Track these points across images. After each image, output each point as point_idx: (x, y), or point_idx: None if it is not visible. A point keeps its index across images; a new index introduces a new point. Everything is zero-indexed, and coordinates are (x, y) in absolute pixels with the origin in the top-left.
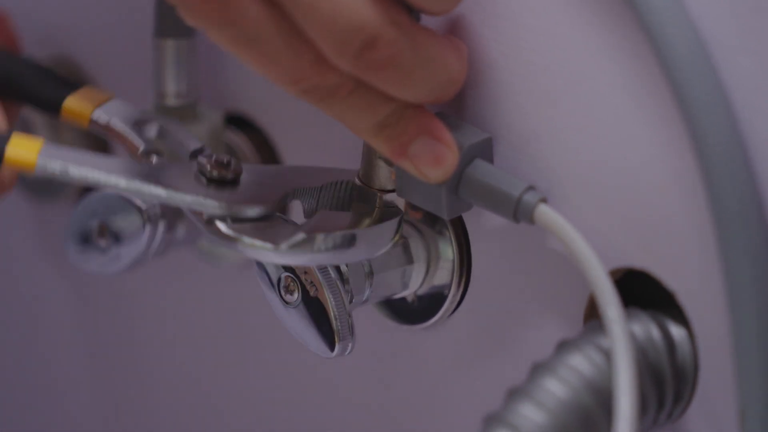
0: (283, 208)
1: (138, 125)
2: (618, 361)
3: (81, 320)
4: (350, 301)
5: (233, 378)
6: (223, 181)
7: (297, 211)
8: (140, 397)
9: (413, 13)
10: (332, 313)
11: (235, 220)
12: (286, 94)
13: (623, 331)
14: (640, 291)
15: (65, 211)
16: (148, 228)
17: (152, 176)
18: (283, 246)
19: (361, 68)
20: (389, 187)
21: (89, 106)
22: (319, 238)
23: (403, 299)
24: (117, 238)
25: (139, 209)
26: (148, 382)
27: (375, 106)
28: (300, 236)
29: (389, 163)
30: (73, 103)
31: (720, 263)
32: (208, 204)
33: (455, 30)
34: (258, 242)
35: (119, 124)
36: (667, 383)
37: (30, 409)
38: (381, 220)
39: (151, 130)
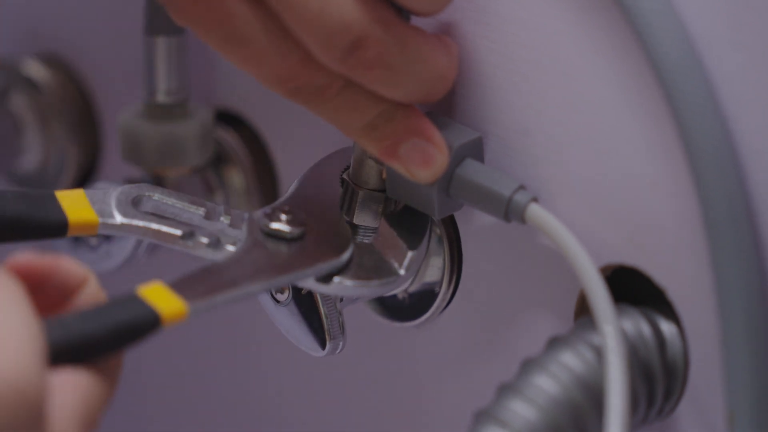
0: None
1: (135, 204)
2: (609, 358)
3: None
4: (341, 299)
5: (225, 376)
6: (302, 236)
7: None
8: (134, 396)
9: (402, 13)
10: (323, 312)
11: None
12: None
13: (614, 327)
14: (631, 288)
15: None
16: None
17: (278, 266)
18: (402, 270)
19: (349, 68)
20: (380, 186)
21: (88, 214)
22: (411, 253)
23: (394, 297)
24: (107, 235)
25: None
26: (141, 381)
27: (364, 107)
28: (410, 254)
29: (380, 162)
30: (73, 217)
31: (710, 260)
32: (333, 264)
33: (445, 28)
34: (383, 279)
35: (138, 220)
36: (658, 380)
37: None
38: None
39: (148, 204)
